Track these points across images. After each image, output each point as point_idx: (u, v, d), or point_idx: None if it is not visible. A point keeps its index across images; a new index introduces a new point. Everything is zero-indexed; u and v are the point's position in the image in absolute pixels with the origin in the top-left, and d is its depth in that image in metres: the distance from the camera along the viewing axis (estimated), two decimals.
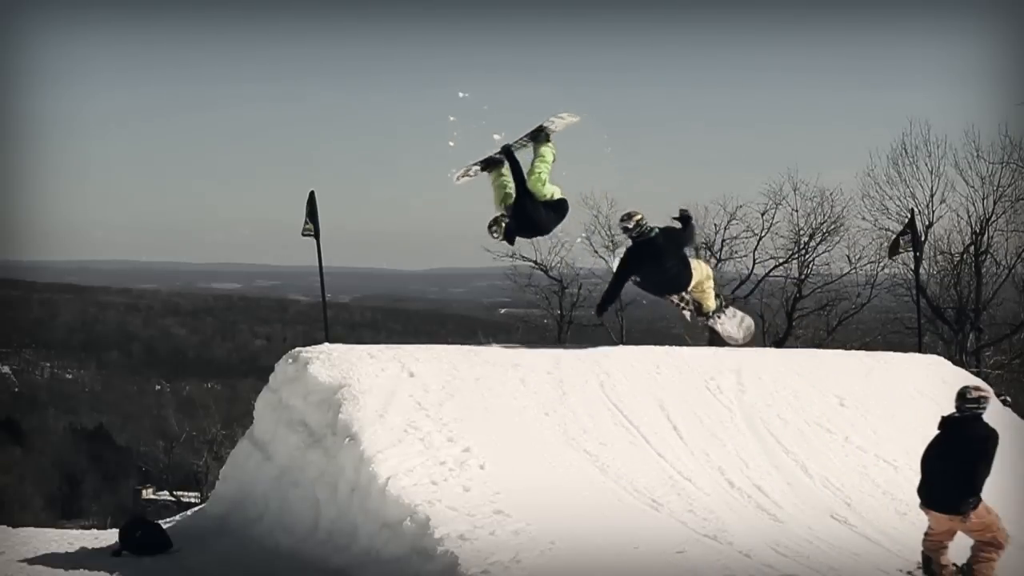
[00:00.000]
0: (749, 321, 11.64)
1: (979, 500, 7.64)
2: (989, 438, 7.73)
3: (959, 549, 7.95)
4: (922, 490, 7.90)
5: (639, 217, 11.02)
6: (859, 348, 18.82)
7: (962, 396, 7.96)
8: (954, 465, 7.68)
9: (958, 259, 26.03)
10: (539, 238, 12.70)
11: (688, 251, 11.86)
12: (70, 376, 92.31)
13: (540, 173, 10.80)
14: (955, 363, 14.77)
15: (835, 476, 9.98)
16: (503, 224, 10.94)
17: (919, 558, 8.01)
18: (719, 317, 11.66)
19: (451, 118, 11.10)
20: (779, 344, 24.64)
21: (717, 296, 11.61)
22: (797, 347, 21.92)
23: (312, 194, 11.49)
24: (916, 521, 9.38)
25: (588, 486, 8.73)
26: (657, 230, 11.04)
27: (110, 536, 11.07)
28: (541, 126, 10.97)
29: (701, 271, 11.43)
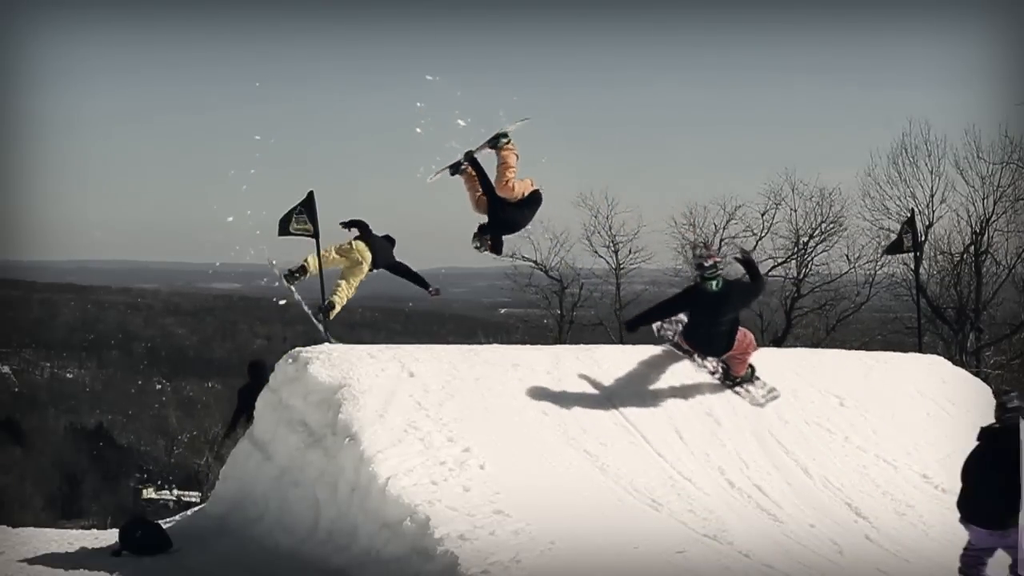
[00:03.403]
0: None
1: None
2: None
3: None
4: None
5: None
6: (858, 348, 18.82)
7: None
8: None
9: (958, 259, 26.05)
10: (538, 237, 12.64)
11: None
12: (70, 376, 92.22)
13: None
14: (955, 363, 14.76)
15: (835, 476, 9.98)
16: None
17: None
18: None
19: (419, 104, 11.14)
20: (778, 343, 24.64)
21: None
22: (796, 347, 21.92)
23: (311, 194, 11.44)
24: (915, 521, 9.41)
25: (588, 486, 8.74)
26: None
27: (110, 536, 11.06)
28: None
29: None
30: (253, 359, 12.70)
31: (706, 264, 10.21)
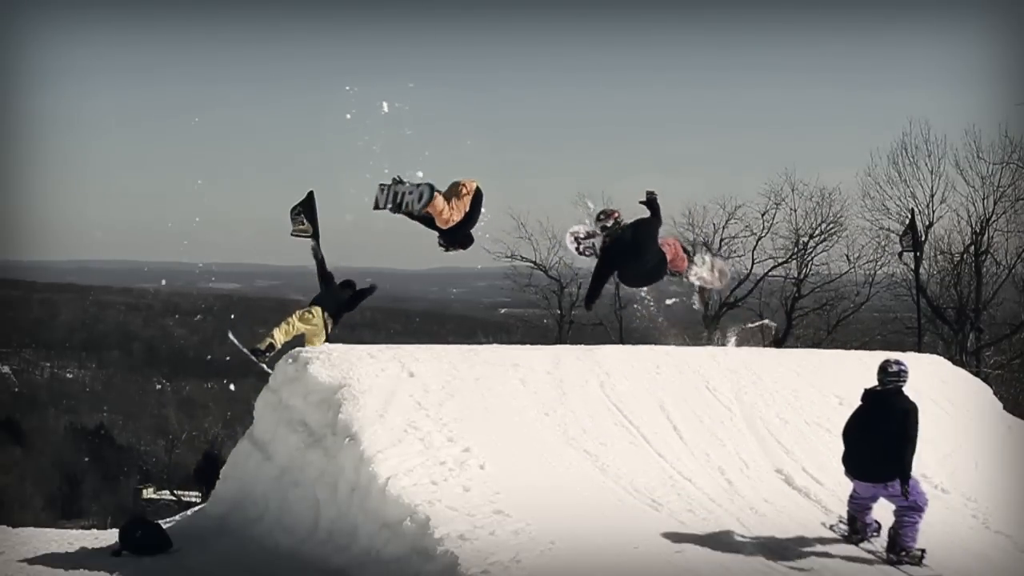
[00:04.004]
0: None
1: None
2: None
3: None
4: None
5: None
6: (858, 348, 18.82)
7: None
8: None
9: (958, 259, 26.04)
10: (537, 238, 12.59)
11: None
12: (70, 376, 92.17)
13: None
14: (955, 363, 14.77)
15: (834, 476, 9.97)
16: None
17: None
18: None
19: (347, 88, 11.04)
20: (778, 344, 24.63)
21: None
22: (796, 347, 21.93)
23: (311, 194, 11.43)
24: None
25: (588, 486, 8.74)
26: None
27: (110, 536, 11.06)
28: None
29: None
30: (208, 449, 12.48)
31: (608, 224, 10.49)
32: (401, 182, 10.50)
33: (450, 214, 10.61)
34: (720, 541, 8.10)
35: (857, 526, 8.47)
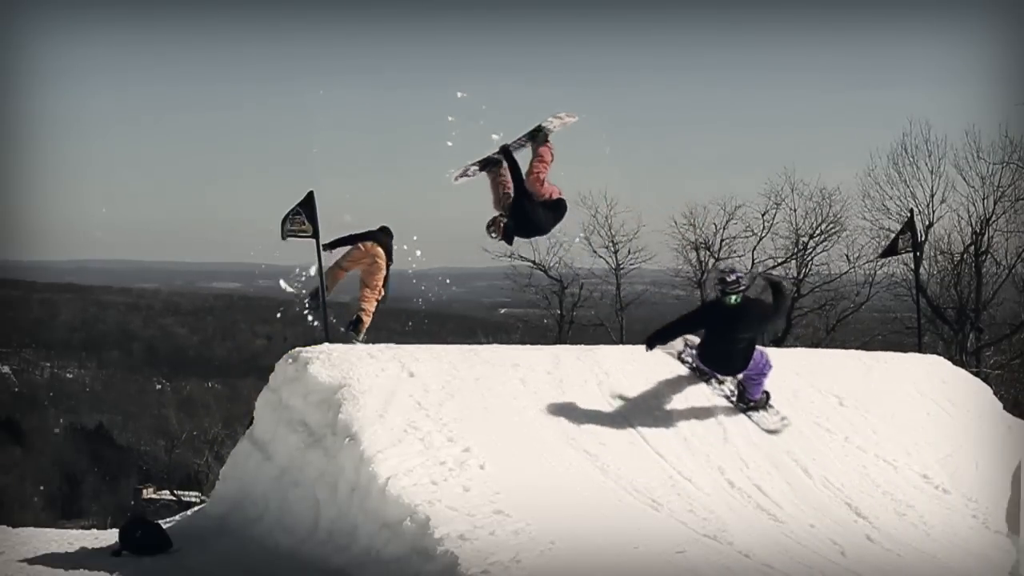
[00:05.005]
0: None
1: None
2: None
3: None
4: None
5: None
6: (858, 348, 18.81)
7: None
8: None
9: (958, 259, 26.06)
10: (538, 237, 12.40)
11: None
12: (70, 376, 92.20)
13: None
14: (955, 363, 14.76)
15: (835, 476, 9.98)
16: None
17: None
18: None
19: (449, 118, 11.04)
20: (778, 343, 24.64)
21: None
22: (796, 347, 21.92)
23: (310, 194, 11.39)
24: (916, 521, 9.41)
25: (588, 486, 8.73)
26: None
27: (110, 536, 11.06)
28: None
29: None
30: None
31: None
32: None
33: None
34: (720, 541, 8.10)
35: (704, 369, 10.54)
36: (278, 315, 11.81)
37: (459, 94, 11.10)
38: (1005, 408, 13.43)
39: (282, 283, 11.80)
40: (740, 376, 10.49)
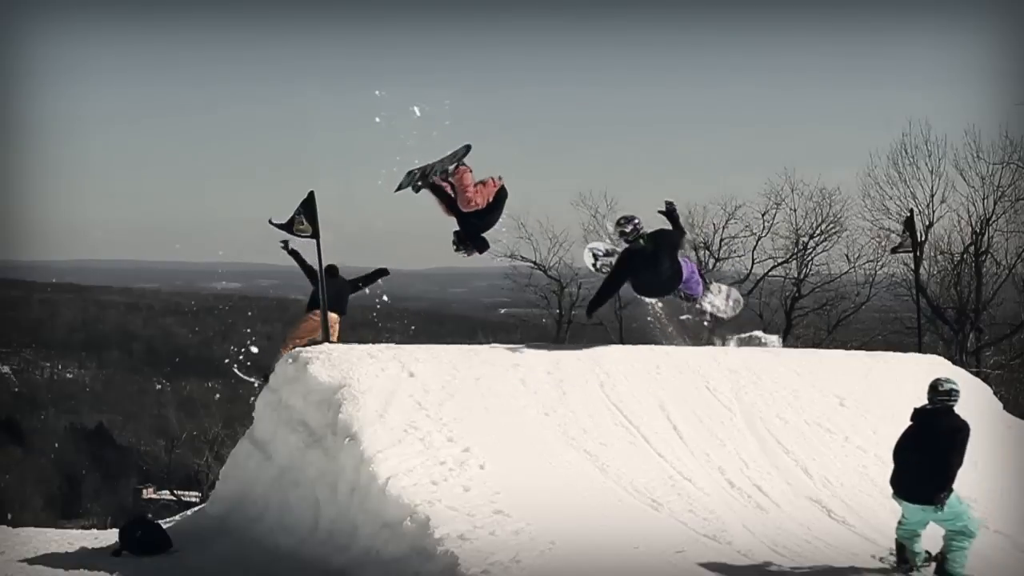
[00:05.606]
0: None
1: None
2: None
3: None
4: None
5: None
6: (858, 348, 18.81)
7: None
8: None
9: (958, 259, 26.03)
10: (537, 238, 13.01)
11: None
12: (70, 376, 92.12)
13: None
14: (955, 363, 14.76)
15: (835, 476, 9.98)
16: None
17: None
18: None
19: (377, 92, 11.33)
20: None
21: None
22: (797, 347, 21.92)
23: (311, 194, 11.40)
24: None
25: (588, 486, 8.73)
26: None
27: (110, 536, 11.07)
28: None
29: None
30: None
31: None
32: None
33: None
34: (720, 541, 8.10)
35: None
36: (252, 401, 11.68)
37: (376, 92, 11.39)
38: (1005, 408, 13.43)
39: (235, 369, 12.36)
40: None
